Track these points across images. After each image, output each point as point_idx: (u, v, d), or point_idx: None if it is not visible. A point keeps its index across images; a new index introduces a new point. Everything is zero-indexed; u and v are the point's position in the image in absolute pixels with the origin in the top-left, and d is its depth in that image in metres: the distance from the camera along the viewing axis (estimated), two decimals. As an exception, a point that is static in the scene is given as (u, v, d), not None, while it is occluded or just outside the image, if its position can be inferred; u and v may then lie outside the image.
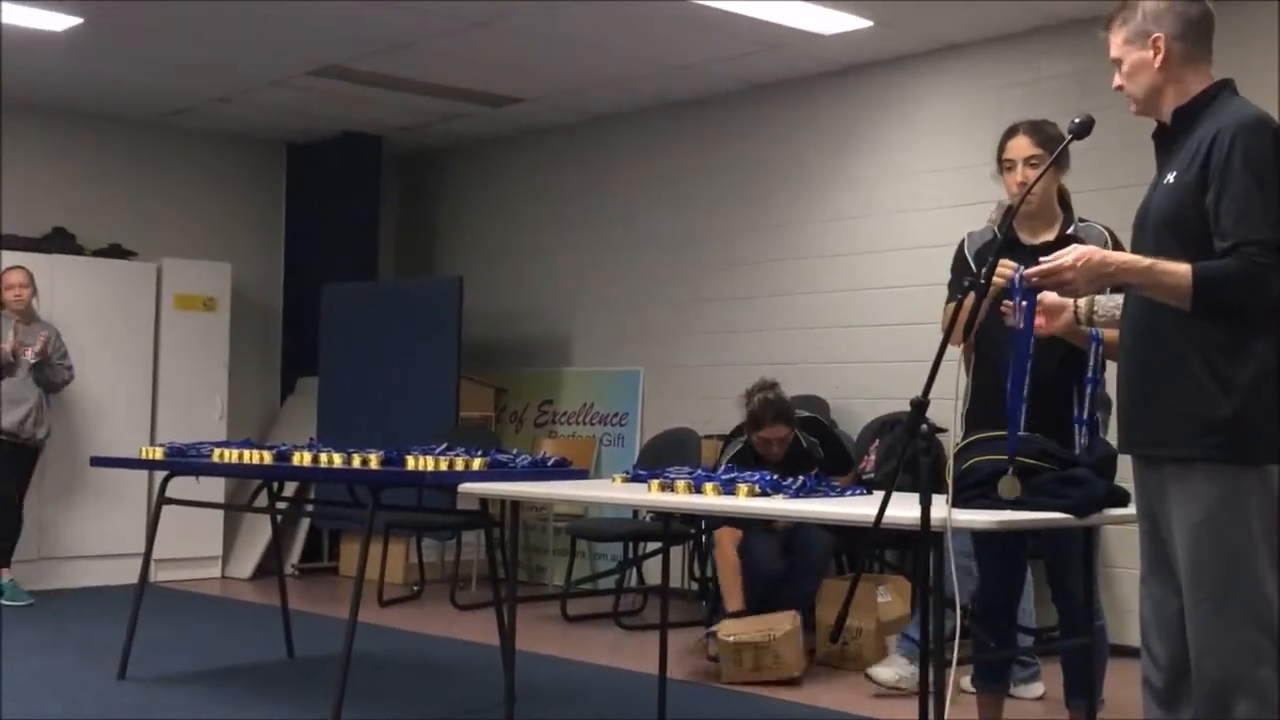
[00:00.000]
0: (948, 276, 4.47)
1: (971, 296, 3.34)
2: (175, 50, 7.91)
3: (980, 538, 4.30)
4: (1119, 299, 3.42)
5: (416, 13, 7.08)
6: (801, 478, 4.15)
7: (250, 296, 10.08)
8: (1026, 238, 4.24)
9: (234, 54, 7.99)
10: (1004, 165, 4.26)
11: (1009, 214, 3.97)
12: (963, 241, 4.42)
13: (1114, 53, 3.27)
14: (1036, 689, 5.73)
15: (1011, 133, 4.26)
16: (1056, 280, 3.19)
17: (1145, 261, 3.11)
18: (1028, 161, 4.16)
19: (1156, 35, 3.19)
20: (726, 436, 6.88)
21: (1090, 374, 3.95)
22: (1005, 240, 3.82)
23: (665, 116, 9.06)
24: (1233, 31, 5.63)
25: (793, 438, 6.50)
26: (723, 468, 5.12)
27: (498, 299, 9.92)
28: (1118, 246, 3.80)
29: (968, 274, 4.22)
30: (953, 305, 3.56)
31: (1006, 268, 3.72)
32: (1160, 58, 3.19)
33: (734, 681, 6.01)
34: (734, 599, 6.49)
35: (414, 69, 8.20)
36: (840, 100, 8.11)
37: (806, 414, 6.90)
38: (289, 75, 8.41)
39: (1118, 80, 3.28)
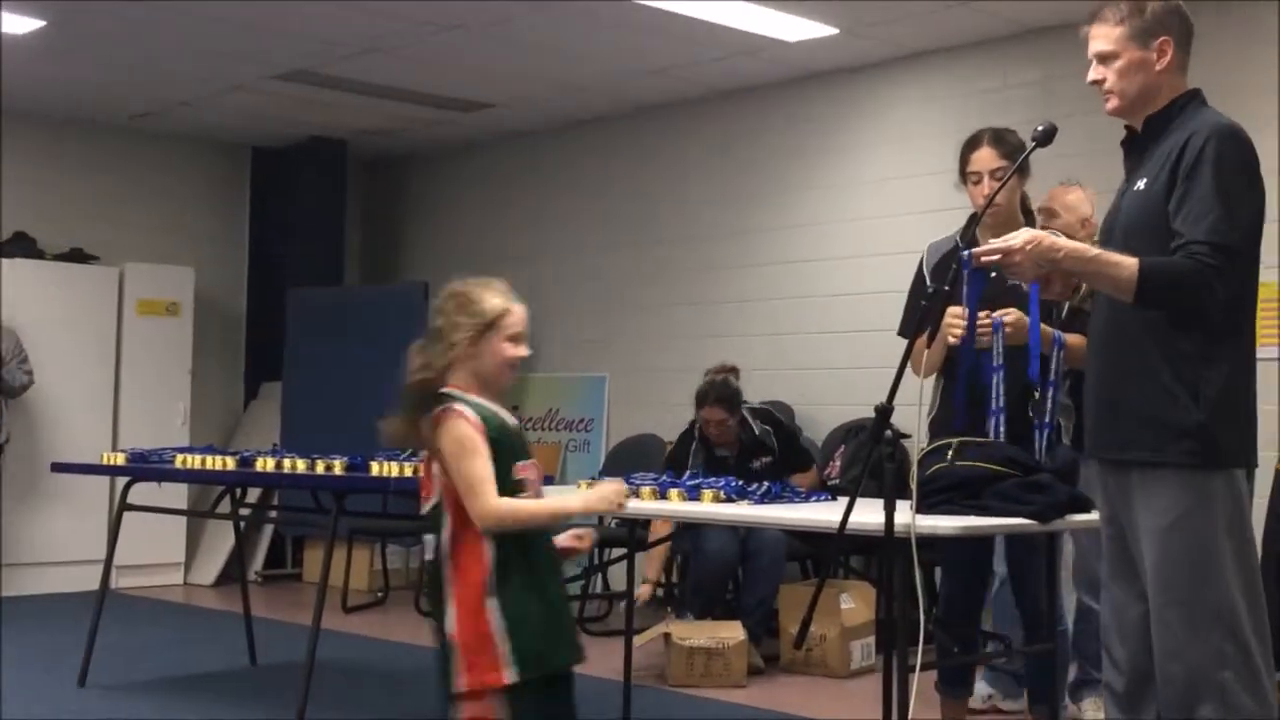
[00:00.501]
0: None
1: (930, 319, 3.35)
2: (139, 53, 7.86)
3: (945, 544, 4.31)
4: None
5: (385, 17, 7.05)
6: (766, 484, 4.16)
7: (214, 301, 10.02)
8: (990, 246, 4.24)
9: (198, 57, 7.94)
10: (969, 177, 4.25)
11: (971, 223, 3.98)
12: (921, 259, 4.41)
13: (1107, 46, 3.21)
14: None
15: (975, 145, 4.25)
16: (1005, 261, 3.18)
17: (1092, 251, 3.13)
18: (994, 174, 4.15)
19: (1164, 38, 3.18)
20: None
21: (1051, 378, 3.96)
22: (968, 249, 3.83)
23: (633, 122, 9.05)
24: (1233, 31, 5.65)
25: (741, 424, 6.64)
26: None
27: (463, 304, 9.87)
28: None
29: (923, 297, 4.20)
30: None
31: (955, 324, 3.74)
32: (1166, 61, 3.19)
33: (679, 684, 6.03)
34: (652, 568, 6.79)
35: (382, 74, 8.17)
36: (807, 107, 8.13)
37: (760, 406, 6.98)
38: (254, 79, 8.37)
39: (1099, 74, 3.24)
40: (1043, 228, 5.18)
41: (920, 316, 3.40)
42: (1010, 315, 3.83)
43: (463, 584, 2.97)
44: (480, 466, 2.94)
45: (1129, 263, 3.04)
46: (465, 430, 2.96)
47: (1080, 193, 5.21)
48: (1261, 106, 5.77)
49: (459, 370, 3.07)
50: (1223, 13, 3.31)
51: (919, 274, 4.37)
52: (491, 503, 2.92)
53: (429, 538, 2.90)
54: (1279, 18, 6.18)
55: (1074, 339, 3.92)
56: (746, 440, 6.64)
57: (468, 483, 2.94)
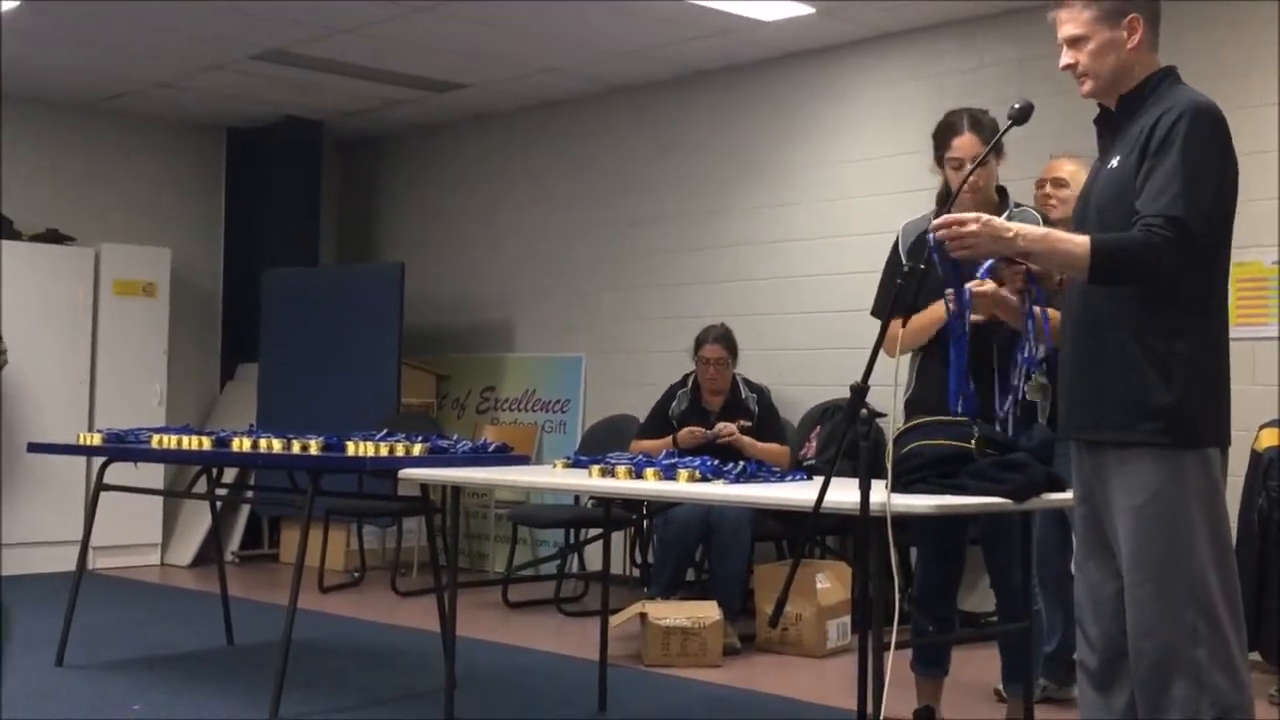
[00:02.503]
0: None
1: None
2: (114, 34, 7.82)
3: (920, 523, 4.33)
4: None
5: (358, -4, 7.04)
6: (742, 463, 4.17)
7: (190, 282, 9.99)
8: (966, 225, 4.25)
9: (174, 38, 7.90)
10: (950, 163, 4.25)
11: (943, 203, 3.99)
12: (896, 239, 4.41)
13: (1075, 30, 3.21)
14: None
15: (955, 130, 4.24)
16: (959, 233, 3.16)
17: (1041, 230, 3.18)
18: (975, 160, 4.15)
19: (1133, 15, 3.18)
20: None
21: (1026, 354, 3.93)
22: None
23: (608, 102, 9.05)
24: (1234, 31, 5.65)
25: (733, 380, 6.92)
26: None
27: (440, 285, 9.89)
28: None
29: (899, 275, 4.19)
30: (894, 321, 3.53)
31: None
32: (1136, 39, 3.19)
33: (655, 664, 6.05)
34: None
35: (356, 54, 8.15)
36: (783, 87, 8.13)
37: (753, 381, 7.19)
38: (229, 60, 8.34)
39: (1071, 58, 3.24)
40: (1047, 197, 5.22)
41: (895, 296, 3.41)
42: (985, 286, 3.79)
43: None
44: None
45: (1080, 240, 3.06)
46: None
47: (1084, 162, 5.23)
48: (1260, 90, 5.84)
49: None
50: (1223, 13, 3.29)
51: (894, 253, 4.39)
52: None
53: None
54: (1279, 17, 6.17)
55: (1054, 314, 3.93)
56: (731, 401, 6.89)
57: None
